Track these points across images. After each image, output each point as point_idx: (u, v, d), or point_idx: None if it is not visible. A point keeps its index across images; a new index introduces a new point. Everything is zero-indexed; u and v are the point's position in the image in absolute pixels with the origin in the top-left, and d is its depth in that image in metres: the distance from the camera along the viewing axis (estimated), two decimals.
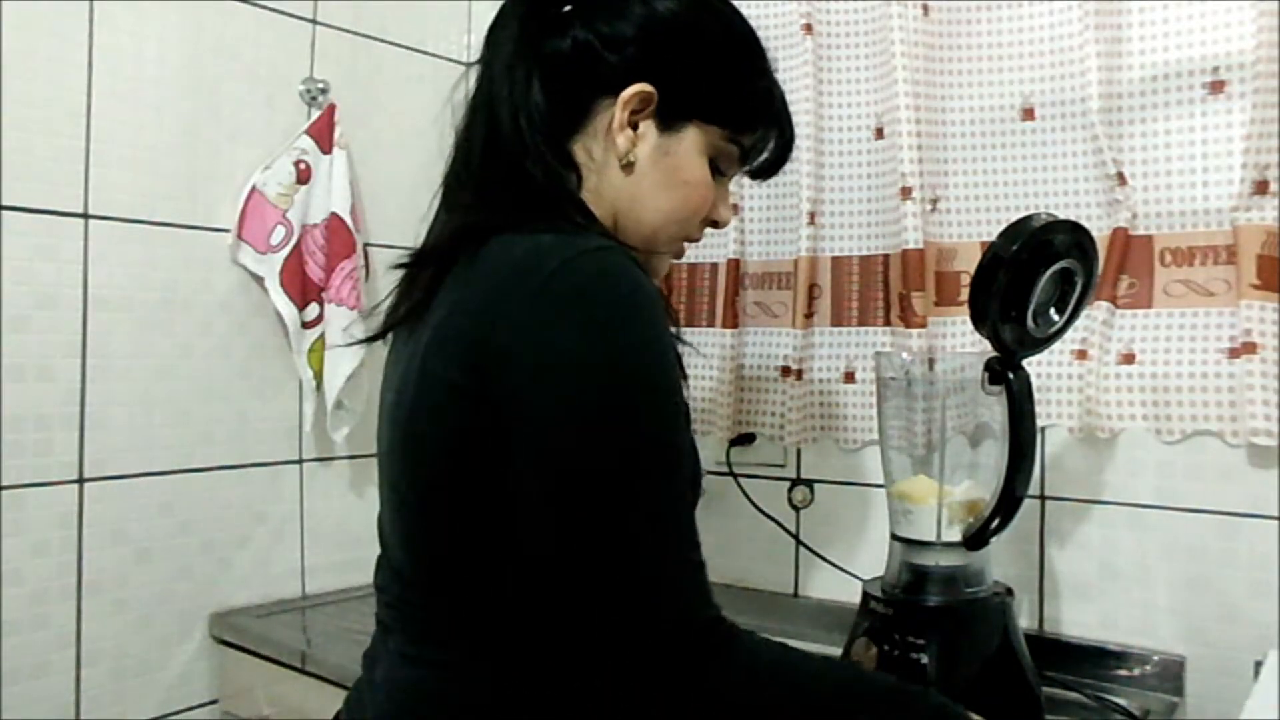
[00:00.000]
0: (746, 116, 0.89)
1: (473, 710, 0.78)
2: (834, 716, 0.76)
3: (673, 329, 0.79)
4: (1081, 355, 1.29)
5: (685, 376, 0.81)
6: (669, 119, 0.84)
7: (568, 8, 0.85)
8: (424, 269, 0.82)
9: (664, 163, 0.85)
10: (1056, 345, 1.15)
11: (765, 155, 0.93)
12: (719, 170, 0.89)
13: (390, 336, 0.88)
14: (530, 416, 0.71)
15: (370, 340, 0.89)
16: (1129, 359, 1.27)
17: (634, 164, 0.84)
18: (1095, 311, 1.27)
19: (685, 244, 0.91)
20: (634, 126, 0.84)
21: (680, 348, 0.80)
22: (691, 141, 0.85)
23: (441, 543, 0.78)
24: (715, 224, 0.92)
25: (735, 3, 0.90)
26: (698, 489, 0.83)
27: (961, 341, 1.39)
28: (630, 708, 0.73)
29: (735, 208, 1.55)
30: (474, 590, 0.77)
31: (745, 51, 0.89)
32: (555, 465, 0.71)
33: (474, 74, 0.88)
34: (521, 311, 0.72)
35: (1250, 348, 1.17)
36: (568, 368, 0.71)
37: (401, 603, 0.83)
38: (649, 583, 0.71)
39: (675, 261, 0.95)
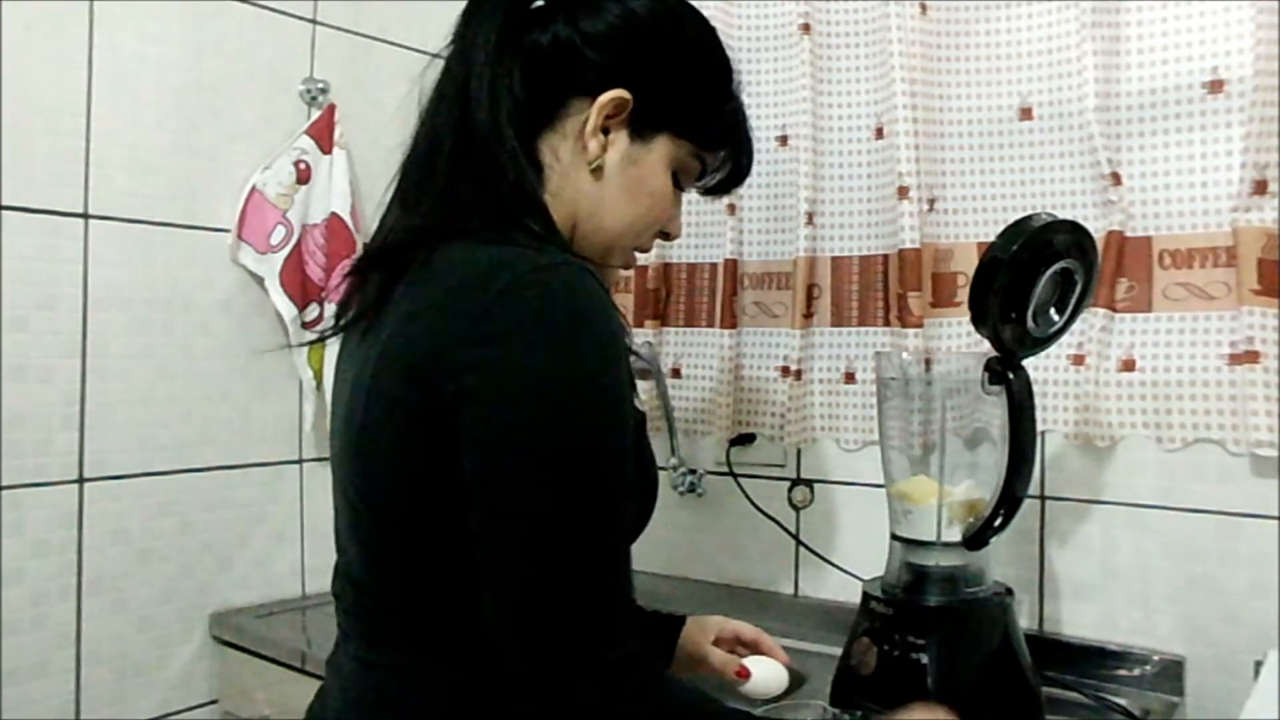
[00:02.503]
0: (716, 135, 0.89)
1: (427, 716, 0.78)
2: None
3: (626, 340, 0.77)
4: (1078, 360, 1.28)
5: (633, 382, 0.80)
6: (642, 128, 0.84)
7: (540, 2, 0.84)
8: (378, 270, 0.80)
9: (631, 171, 0.84)
10: (1053, 350, 1.15)
11: (721, 175, 0.93)
12: (678, 184, 0.89)
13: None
14: (475, 435, 0.70)
15: (325, 338, 0.88)
16: (1129, 366, 1.26)
17: (602, 169, 0.83)
18: (1093, 318, 1.26)
19: (636, 254, 0.92)
20: (605, 131, 0.83)
21: (635, 359, 0.80)
22: (660, 153, 0.85)
23: (394, 553, 0.78)
24: (666, 236, 0.92)
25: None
26: (653, 498, 0.83)
27: (957, 343, 1.39)
28: None
29: (731, 208, 1.55)
30: (427, 599, 0.77)
31: (722, 70, 0.90)
32: (497, 484, 0.70)
33: (439, 65, 0.86)
34: (469, 328, 0.71)
35: (1253, 356, 1.16)
36: (513, 389, 0.70)
37: (358, 609, 0.83)
38: (573, 608, 0.70)
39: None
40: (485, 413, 0.70)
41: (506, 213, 0.79)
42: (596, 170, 0.83)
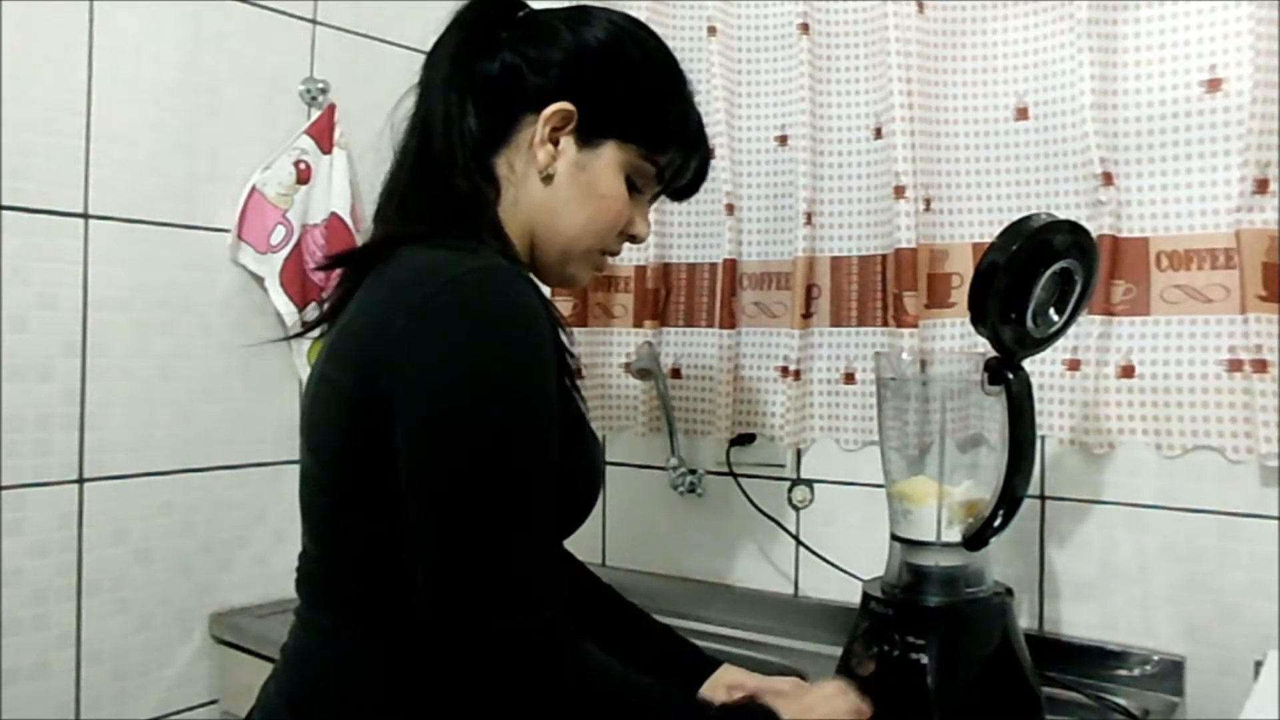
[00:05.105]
0: (661, 137, 0.94)
1: (344, 675, 0.85)
2: None
3: (564, 340, 0.86)
4: (1074, 366, 1.28)
5: (573, 380, 0.88)
6: (588, 136, 0.91)
7: (503, 34, 0.91)
8: (346, 273, 0.90)
9: (581, 177, 0.91)
10: (1048, 355, 1.14)
11: (684, 179, 0.98)
12: (636, 188, 0.94)
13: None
14: (402, 419, 0.77)
15: (297, 336, 0.99)
16: (1128, 372, 1.26)
17: (553, 177, 0.90)
18: (1090, 325, 1.26)
19: (605, 257, 0.97)
20: (555, 142, 0.90)
21: (588, 353, 0.88)
22: (609, 158, 0.91)
23: (330, 522, 0.87)
24: (633, 239, 0.97)
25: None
26: (594, 491, 0.90)
27: (952, 344, 1.39)
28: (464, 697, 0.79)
29: (729, 208, 1.55)
30: (354, 567, 0.85)
31: (663, 77, 0.95)
32: (418, 466, 0.77)
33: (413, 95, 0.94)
34: (404, 322, 0.78)
35: (1261, 366, 1.15)
36: (435, 376, 0.76)
37: (302, 573, 0.92)
38: (472, 580, 0.75)
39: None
40: (412, 400, 0.77)
41: (458, 223, 0.86)
42: (548, 178, 0.91)
